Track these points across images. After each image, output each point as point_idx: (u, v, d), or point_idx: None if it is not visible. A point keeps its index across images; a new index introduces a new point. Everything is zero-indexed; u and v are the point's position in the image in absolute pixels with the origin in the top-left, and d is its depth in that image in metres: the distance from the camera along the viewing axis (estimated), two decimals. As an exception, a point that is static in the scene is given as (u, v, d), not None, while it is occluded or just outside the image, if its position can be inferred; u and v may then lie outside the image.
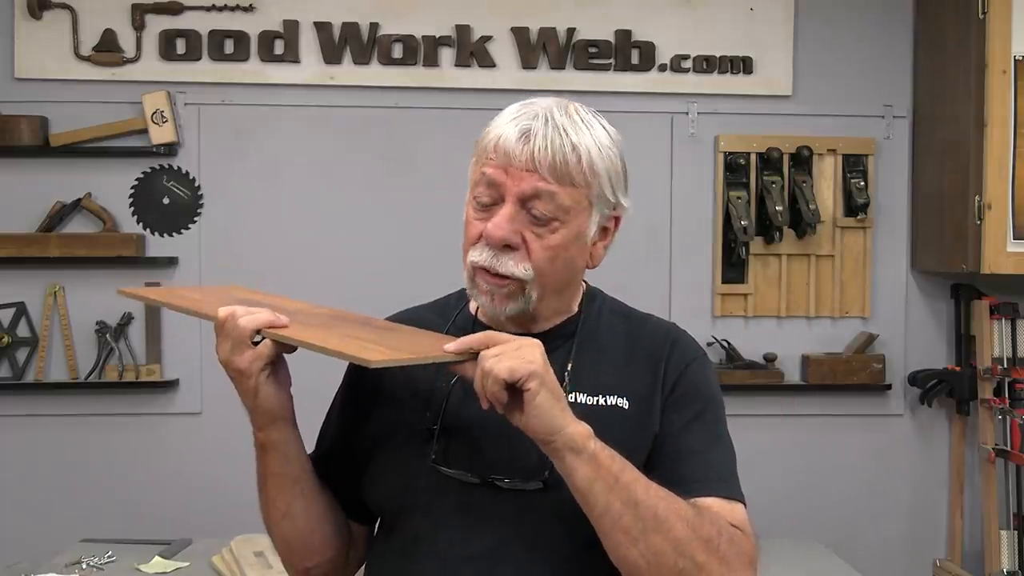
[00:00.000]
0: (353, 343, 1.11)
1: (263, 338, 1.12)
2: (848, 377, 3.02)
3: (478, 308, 1.30)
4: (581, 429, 1.06)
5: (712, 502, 1.15)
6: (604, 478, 1.05)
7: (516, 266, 1.16)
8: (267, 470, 1.21)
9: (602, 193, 1.19)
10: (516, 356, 1.03)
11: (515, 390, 1.03)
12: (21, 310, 2.91)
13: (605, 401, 1.19)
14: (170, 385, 2.93)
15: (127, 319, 2.92)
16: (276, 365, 1.15)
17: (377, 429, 1.26)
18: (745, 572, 1.11)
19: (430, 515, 1.19)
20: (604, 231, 1.23)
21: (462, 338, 1.08)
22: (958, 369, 3.03)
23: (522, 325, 1.22)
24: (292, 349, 1.14)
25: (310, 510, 1.24)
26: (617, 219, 1.24)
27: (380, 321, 1.29)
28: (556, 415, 1.05)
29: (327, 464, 1.29)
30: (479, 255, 1.17)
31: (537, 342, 1.07)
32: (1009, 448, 2.89)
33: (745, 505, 1.19)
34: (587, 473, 1.05)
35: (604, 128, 1.20)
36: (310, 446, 1.30)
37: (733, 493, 1.18)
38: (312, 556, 1.27)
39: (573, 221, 1.17)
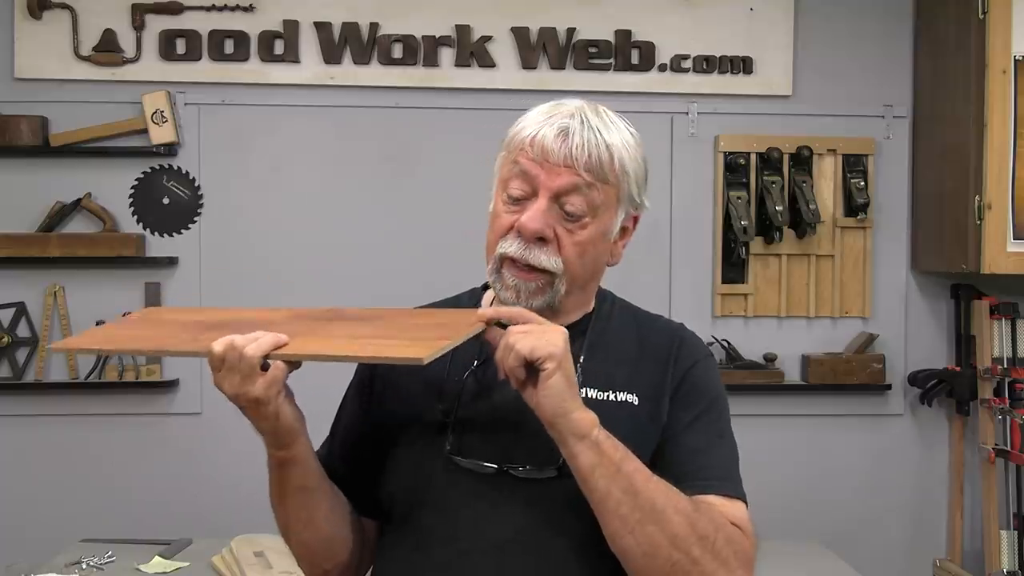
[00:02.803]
0: (382, 344, 1.09)
1: (269, 363, 1.08)
2: (848, 377, 3.02)
3: (492, 304, 1.31)
4: (587, 416, 1.09)
5: (714, 499, 1.16)
6: (606, 465, 1.08)
7: (548, 259, 1.18)
8: (288, 485, 1.20)
9: (629, 192, 1.23)
10: (540, 336, 1.07)
11: (532, 369, 1.06)
12: (21, 310, 2.91)
13: (615, 397, 1.21)
14: (170, 385, 2.93)
15: (127, 319, 2.91)
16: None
17: (390, 424, 1.26)
18: (741, 571, 1.12)
19: (444, 507, 1.19)
20: (624, 230, 1.27)
21: (499, 308, 1.11)
22: (958, 369, 3.03)
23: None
24: (299, 365, 1.11)
25: (330, 515, 1.25)
26: (636, 218, 1.28)
27: (352, 310, 1.25)
28: (566, 398, 1.07)
29: (340, 461, 1.30)
30: (509, 246, 1.18)
31: (563, 329, 1.09)
32: (1009, 448, 2.89)
33: (746, 503, 1.20)
34: (590, 459, 1.08)
35: (629, 130, 1.25)
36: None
37: (734, 491, 1.19)
38: (332, 558, 1.27)
39: (601, 218, 1.21)
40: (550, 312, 1.21)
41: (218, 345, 1.09)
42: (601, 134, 1.19)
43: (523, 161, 1.19)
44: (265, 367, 1.08)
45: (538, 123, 1.20)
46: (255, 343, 1.08)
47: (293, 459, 1.17)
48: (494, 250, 1.20)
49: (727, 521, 1.14)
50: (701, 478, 1.17)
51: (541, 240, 1.17)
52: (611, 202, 1.21)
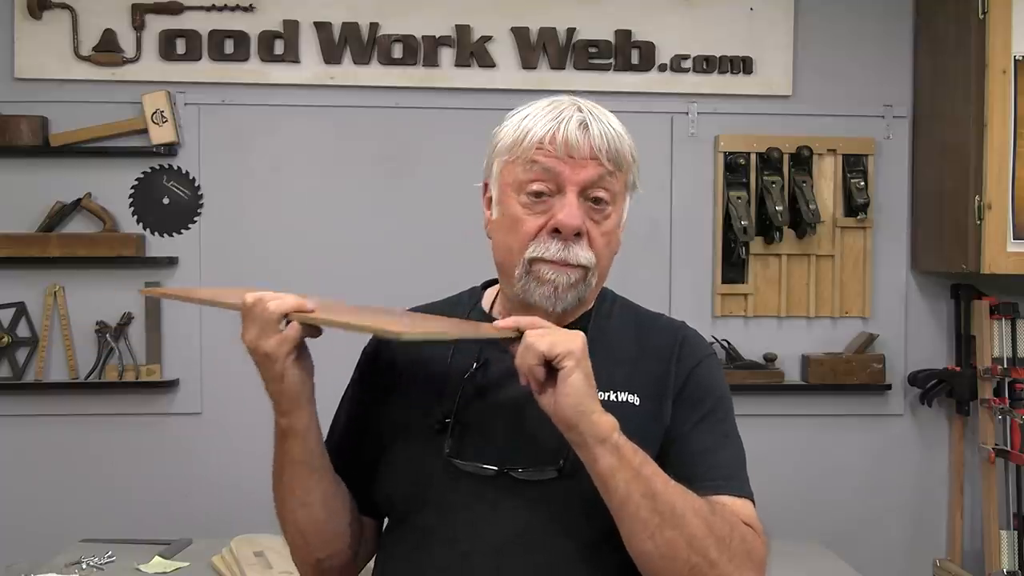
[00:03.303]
0: (382, 320, 1.11)
1: (289, 323, 1.13)
2: (848, 377, 3.02)
3: (492, 305, 1.31)
4: (607, 419, 1.08)
5: (724, 500, 1.16)
6: (626, 468, 1.07)
7: (584, 254, 1.18)
8: (288, 457, 1.20)
9: (635, 178, 1.25)
10: (558, 335, 1.07)
11: (551, 371, 1.06)
12: (21, 310, 2.91)
13: (616, 397, 1.20)
14: (170, 385, 2.93)
15: (127, 319, 2.91)
16: (301, 350, 1.15)
17: (389, 423, 1.27)
18: (754, 572, 1.12)
19: (444, 508, 1.19)
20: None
21: (512, 317, 1.10)
22: (958, 369, 3.03)
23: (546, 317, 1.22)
24: (318, 333, 1.14)
25: (327, 499, 1.24)
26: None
27: (402, 310, 1.31)
28: (586, 399, 1.06)
29: (338, 460, 1.29)
30: (546, 249, 1.18)
31: (581, 333, 1.09)
32: (1009, 448, 2.89)
33: (754, 503, 1.20)
34: (610, 462, 1.07)
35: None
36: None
37: (742, 490, 1.19)
38: (326, 546, 1.27)
39: (618, 206, 1.23)
40: (575, 306, 1.22)
41: (250, 296, 1.14)
42: (611, 123, 1.21)
43: (543, 159, 1.18)
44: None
45: (550, 119, 1.19)
46: (280, 300, 1.12)
47: (294, 429, 1.18)
48: (520, 255, 1.19)
49: (740, 521, 1.14)
50: (710, 479, 1.16)
51: (578, 236, 1.18)
52: (623, 189, 1.23)
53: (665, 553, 1.08)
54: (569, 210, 1.17)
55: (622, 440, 1.08)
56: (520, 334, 1.08)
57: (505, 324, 1.09)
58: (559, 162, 1.17)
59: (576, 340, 1.07)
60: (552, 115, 1.20)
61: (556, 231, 1.17)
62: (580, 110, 1.20)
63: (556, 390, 1.06)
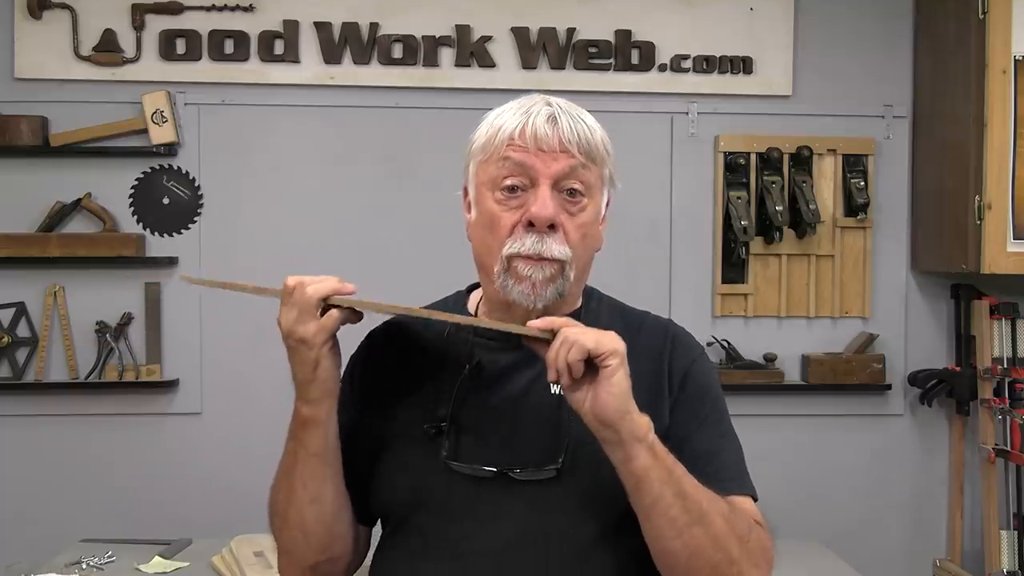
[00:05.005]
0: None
1: (327, 310, 1.12)
2: (848, 377, 3.02)
3: (477, 308, 1.31)
4: (644, 419, 1.08)
5: (735, 499, 1.17)
6: (660, 467, 1.08)
7: (559, 247, 1.18)
8: (305, 449, 1.19)
9: (610, 172, 1.24)
10: (601, 334, 1.06)
11: (591, 368, 1.05)
12: (21, 310, 2.91)
13: None
14: (170, 385, 2.93)
15: (127, 319, 2.91)
16: (334, 341, 1.15)
17: (384, 429, 1.25)
18: (767, 568, 1.15)
19: (442, 512, 1.19)
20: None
21: (547, 317, 1.10)
22: (958, 369, 3.03)
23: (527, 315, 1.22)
24: (358, 319, 1.14)
25: (337, 496, 1.23)
26: (608, 200, 1.28)
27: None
28: (628, 398, 1.07)
29: None
30: (522, 244, 1.18)
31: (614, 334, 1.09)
32: (1009, 448, 2.89)
33: (756, 497, 1.22)
34: (646, 461, 1.07)
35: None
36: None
37: (746, 488, 1.21)
38: (327, 549, 1.25)
39: (594, 199, 1.22)
40: (558, 302, 1.21)
41: (292, 280, 1.14)
42: (582, 117, 1.21)
43: (515, 154, 1.18)
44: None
45: (519, 115, 1.20)
46: (319, 284, 1.12)
47: (317, 419, 1.17)
48: (498, 253, 1.19)
49: (753, 520, 1.16)
50: (718, 479, 1.17)
51: (551, 228, 1.17)
52: (599, 183, 1.22)
53: (692, 552, 1.09)
54: (541, 202, 1.17)
55: (656, 440, 1.08)
56: (552, 334, 1.07)
57: (540, 324, 1.08)
58: (530, 155, 1.18)
59: (618, 339, 1.07)
60: (521, 111, 1.20)
61: (530, 224, 1.17)
62: (549, 104, 1.21)
63: (596, 388, 1.05)
